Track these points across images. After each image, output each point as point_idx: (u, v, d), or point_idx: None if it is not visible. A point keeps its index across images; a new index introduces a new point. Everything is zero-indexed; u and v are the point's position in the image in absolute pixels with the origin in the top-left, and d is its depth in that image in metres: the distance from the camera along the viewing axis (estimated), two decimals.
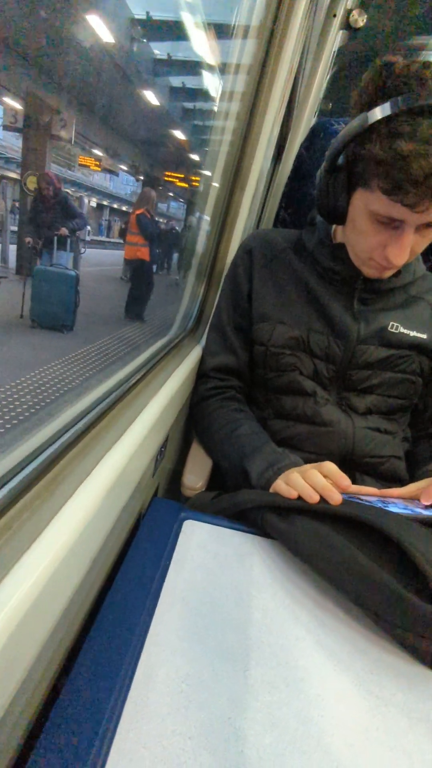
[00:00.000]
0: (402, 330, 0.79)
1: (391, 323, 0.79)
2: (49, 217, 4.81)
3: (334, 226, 0.82)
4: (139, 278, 5.65)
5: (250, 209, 1.06)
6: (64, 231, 4.83)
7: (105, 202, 34.13)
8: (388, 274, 0.75)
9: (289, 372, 0.82)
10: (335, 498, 0.56)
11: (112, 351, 4.51)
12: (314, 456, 0.79)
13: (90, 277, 8.84)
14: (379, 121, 0.58)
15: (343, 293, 0.80)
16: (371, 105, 0.60)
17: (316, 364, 0.81)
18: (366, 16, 1.08)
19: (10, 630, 0.26)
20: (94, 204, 34.17)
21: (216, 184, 1.05)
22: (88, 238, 7.56)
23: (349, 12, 1.08)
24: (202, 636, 0.45)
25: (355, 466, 0.80)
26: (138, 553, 0.55)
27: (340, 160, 0.66)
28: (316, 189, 0.73)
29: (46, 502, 0.36)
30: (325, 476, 0.59)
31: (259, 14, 0.95)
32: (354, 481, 0.80)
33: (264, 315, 0.83)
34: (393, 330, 0.79)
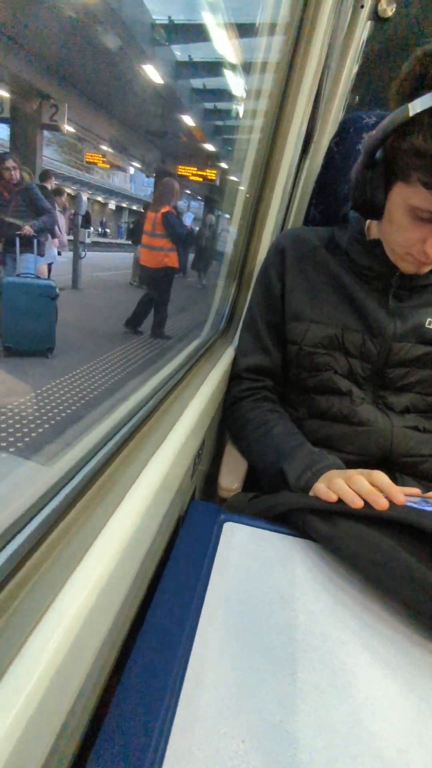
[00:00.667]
0: None
1: (428, 320, 0.77)
2: (9, 211, 3.82)
3: (367, 223, 0.81)
4: (161, 290, 4.70)
5: (279, 208, 1.05)
6: (27, 229, 3.83)
7: (124, 204, 34.45)
8: (426, 269, 0.73)
9: (323, 371, 0.81)
10: (381, 503, 0.54)
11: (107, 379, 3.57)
12: (352, 456, 0.79)
13: (99, 284, 8.27)
14: (421, 113, 0.57)
15: (378, 290, 0.79)
16: (412, 96, 0.58)
17: (351, 362, 0.80)
18: (395, 5, 1.05)
19: (75, 631, 0.27)
20: (113, 206, 34.62)
21: (242, 188, 1.05)
22: (88, 240, 6.78)
23: (377, 2, 1.05)
24: (247, 639, 0.45)
25: (395, 466, 0.79)
26: (180, 556, 0.56)
27: (378, 153, 0.65)
28: (351, 184, 0.72)
29: (97, 508, 0.37)
30: (372, 484, 0.58)
31: (285, 9, 0.94)
32: (394, 482, 0.79)
33: (297, 314, 0.83)
34: (430, 326, 0.77)
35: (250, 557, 0.57)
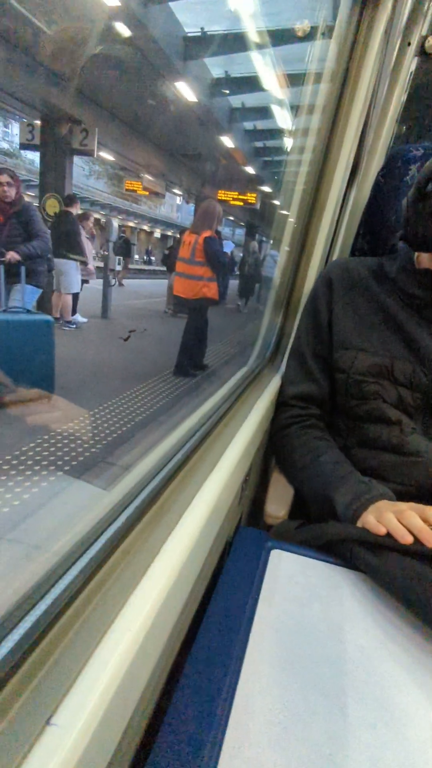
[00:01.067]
0: None
1: None
2: (2, 235, 3.28)
3: (416, 253, 0.81)
4: (197, 324, 4.08)
5: (326, 239, 1.07)
6: (12, 255, 3.26)
7: (169, 232, 35.50)
8: None
9: (371, 400, 0.81)
10: None
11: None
12: (401, 487, 0.77)
13: (133, 312, 7.76)
14: None
15: (428, 319, 0.79)
16: None
17: (401, 392, 0.79)
18: None
19: (131, 655, 0.29)
20: (158, 235, 35.89)
21: (291, 219, 1.08)
22: (117, 267, 6.57)
23: (424, 39, 1.08)
24: (296, 668, 0.45)
25: None
26: (228, 582, 0.57)
27: (429, 187, 0.67)
28: (402, 216, 0.73)
29: (153, 532, 0.39)
30: (424, 521, 0.57)
31: (334, 50, 0.98)
32: None
33: (345, 342, 0.84)
34: None
35: (298, 586, 0.57)
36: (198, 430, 0.60)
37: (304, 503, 0.82)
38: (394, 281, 0.83)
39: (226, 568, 0.59)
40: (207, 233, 3.69)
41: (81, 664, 0.26)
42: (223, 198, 13.43)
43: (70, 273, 5.40)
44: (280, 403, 0.93)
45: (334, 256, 1.24)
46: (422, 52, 1.11)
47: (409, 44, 1.08)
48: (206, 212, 3.80)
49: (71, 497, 0.44)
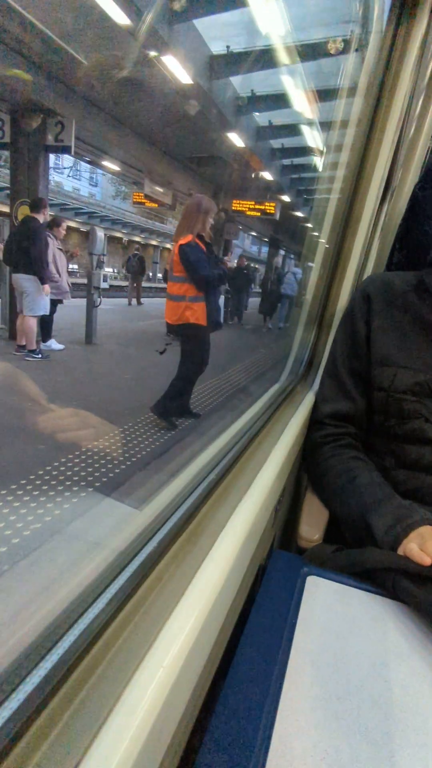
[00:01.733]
0: None
1: None
2: None
3: None
4: (185, 356, 3.09)
5: (361, 254, 1.05)
6: None
7: None
8: None
9: (413, 419, 0.77)
10: None
11: None
12: None
13: (127, 336, 6.84)
14: None
15: None
16: None
17: None
18: None
19: (167, 689, 0.27)
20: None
21: (323, 240, 1.06)
22: (104, 285, 5.60)
23: None
24: (336, 708, 0.42)
25: None
26: (263, 609, 0.54)
27: None
28: None
29: (187, 557, 0.38)
30: None
31: (369, 66, 0.98)
32: None
33: (384, 359, 0.81)
34: None
35: (337, 616, 0.54)
36: (231, 449, 0.58)
37: (339, 526, 0.78)
38: None
39: (261, 595, 0.57)
40: (185, 239, 2.76)
41: (110, 705, 0.24)
42: (238, 209, 11.63)
43: (31, 291, 4.35)
44: (314, 421, 0.90)
45: (368, 271, 1.21)
46: None
47: None
48: (188, 212, 2.90)
49: (103, 518, 0.42)
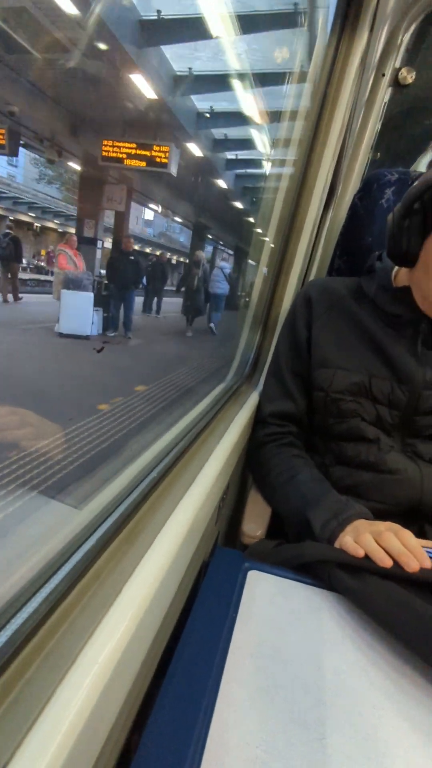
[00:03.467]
0: None
1: None
2: None
3: (394, 272, 0.83)
4: None
5: (303, 259, 1.09)
6: None
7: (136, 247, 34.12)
8: None
9: (350, 418, 0.81)
10: (413, 566, 0.53)
11: None
12: (379, 505, 0.77)
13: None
14: None
15: (407, 337, 0.80)
16: None
17: (379, 409, 0.79)
18: (414, 73, 1.12)
19: (102, 683, 0.27)
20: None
21: (268, 239, 1.09)
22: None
23: (398, 70, 1.12)
24: (273, 697, 0.43)
25: (424, 517, 0.77)
26: (204, 605, 0.55)
27: (416, 205, 0.68)
28: (387, 233, 0.75)
29: (125, 556, 0.38)
30: (403, 543, 0.57)
31: (312, 77, 1.01)
32: (422, 534, 0.76)
33: (324, 361, 0.84)
34: None
35: (276, 608, 0.56)
36: (174, 447, 0.59)
37: (281, 522, 0.81)
38: (372, 300, 0.84)
39: (202, 591, 0.57)
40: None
41: (42, 703, 0.24)
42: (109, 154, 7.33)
43: None
44: (258, 420, 0.92)
45: (311, 276, 1.26)
46: (396, 83, 1.15)
47: (383, 75, 1.13)
48: None
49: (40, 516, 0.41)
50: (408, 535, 0.58)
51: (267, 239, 1.11)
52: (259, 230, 1.17)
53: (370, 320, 0.83)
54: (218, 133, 9.29)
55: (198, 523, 0.53)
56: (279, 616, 0.54)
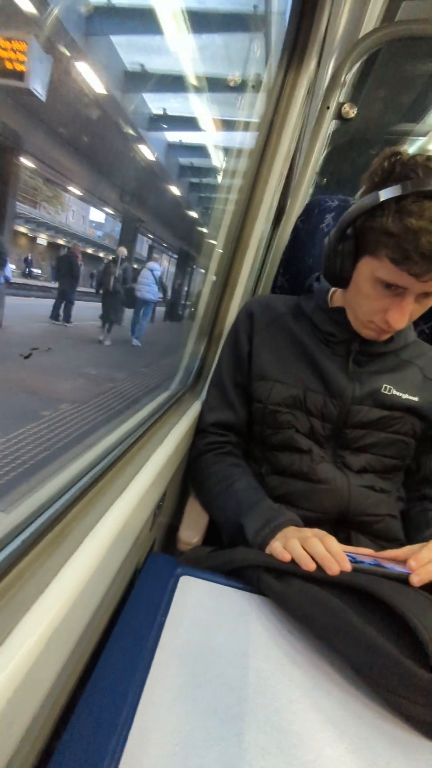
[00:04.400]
0: (395, 392, 0.83)
1: (384, 385, 0.83)
2: None
3: (330, 293, 0.88)
4: None
5: (250, 274, 1.13)
6: None
7: (61, 241, 31.55)
8: (385, 337, 0.80)
9: (285, 429, 0.84)
10: (333, 569, 0.56)
11: None
12: (310, 513, 0.80)
13: None
14: (389, 200, 0.65)
15: (339, 355, 0.85)
16: (381, 186, 0.67)
17: (312, 422, 0.84)
18: (356, 109, 1.20)
19: (16, 683, 0.27)
20: (44, 242, 31.42)
21: (217, 251, 1.12)
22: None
23: (341, 105, 1.20)
24: (196, 696, 0.45)
25: (350, 525, 0.81)
26: (134, 609, 0.55)
27: (349, 230, 0.73)
28: (323, 255, 0.79)
29: (50, 558, 0.38)
30: (327, 548, 0.60)
31: (261, 104, 1.06)
32: (349, 540, 0.81)
33: (263, 374, 0.87)
34: (386, 392, 0.83)
35: (205, 612, 0.57)
36: (110, 453, 0.59)
37: (218, 530, 0.83)
38: (309, 318, 0.89)
39: (134, 595, 0.58)
40: None
41: None
42: None
43: None
44: (200, 429, 0.94)
45: (259, 291, 1.31)
46: (339, 116, 1.23)
47: (328, 108, 1.20)
48: None
49: None
50: (332, 540, 0.62)
51: (215, 243, 1.14)
52: (205, 230, 1.19)
53: (307, 337, 0.87)
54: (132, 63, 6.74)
55: (130, 529, 0.54)
56: (207, 619, 0.56)
